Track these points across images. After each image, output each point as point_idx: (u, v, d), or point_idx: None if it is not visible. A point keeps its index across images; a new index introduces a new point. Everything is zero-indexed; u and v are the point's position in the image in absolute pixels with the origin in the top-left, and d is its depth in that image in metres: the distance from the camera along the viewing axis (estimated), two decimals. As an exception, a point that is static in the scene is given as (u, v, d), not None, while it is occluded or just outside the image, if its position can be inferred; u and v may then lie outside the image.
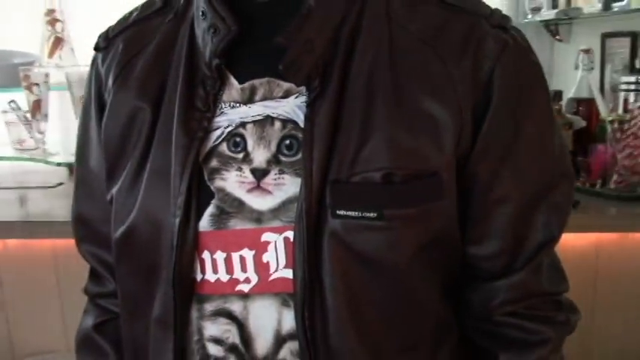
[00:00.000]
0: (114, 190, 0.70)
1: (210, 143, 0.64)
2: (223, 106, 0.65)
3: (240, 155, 0.63)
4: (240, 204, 0.63)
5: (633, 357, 1.53)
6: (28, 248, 1.62)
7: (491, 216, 0.65)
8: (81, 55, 1.95)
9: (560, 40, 2.75)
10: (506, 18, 0.65)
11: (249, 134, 0.63)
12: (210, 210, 0.63)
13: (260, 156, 0.62)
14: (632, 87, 1.72)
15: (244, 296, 0.63)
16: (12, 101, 1.93)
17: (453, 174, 0.62)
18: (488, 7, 0.66)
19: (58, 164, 1.86)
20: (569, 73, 1.94)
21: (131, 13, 0.74)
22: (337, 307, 0.61)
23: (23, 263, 1.64)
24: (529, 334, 0.67)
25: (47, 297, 1.64)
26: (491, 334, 0.69)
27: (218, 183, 0.63)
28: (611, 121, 1.64)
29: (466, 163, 0.62)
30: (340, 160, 0.60)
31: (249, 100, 0.64)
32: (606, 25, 2.26)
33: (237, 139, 0.63)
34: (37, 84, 1.79)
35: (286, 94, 0.63)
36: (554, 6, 2.55)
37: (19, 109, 1.92)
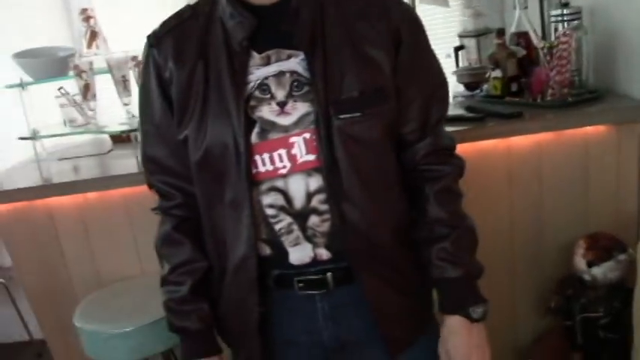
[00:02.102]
0: (187, 131, 1.07)
1: (247, 91, 1.04)
2: (250, 69, 1.05)
3: (268, 96, 1.04)
4: (273, 124, 1.04)
5: (579, 234, 1.92)
6: (103, 198, 2.04)
7: (408, 110, 1.11)
8: (112, 44, 2.33)
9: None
10: None
11: (272, 83, 1.04)
12: (255, 130, 1.04)
13: (280, 94, 1.04)
14: (559, 19, 2.10)
15: (284, 176, 1.05)
16: (61, 88, 2.33)
17: (392, 87, 1.07)
18: None
19: (113, 133, 2.26)
20: (509, 12, 2.30)
21: (170, 20, 1.12)
22: (346, 169, 1.04)
23: (101, 211, 2.06)
24: (438, 171, 1.14)
25: (123, 235, 2.06)
26: (418, 177, 1.15)
27: (257, 114, 1.04)
28: (542, 48, 2.06)
29: (395, 80, 1.08)
30: (333, 88, 1.03)
31: (267, 63, 1.05)
32: None
33: (264, 87, 1.04)
34: (84, 71, 2.18)
35: (288, 57, 1.05)
36: None
37: (68, 93, 2.32)
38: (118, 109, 2.24)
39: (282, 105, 1.03)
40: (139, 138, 1.20)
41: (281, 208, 1.06)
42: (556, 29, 2.10)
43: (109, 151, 2.36)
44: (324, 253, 1.08)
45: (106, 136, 2.45)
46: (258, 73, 1.05)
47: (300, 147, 1.04)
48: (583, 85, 2.07)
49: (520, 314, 2.07)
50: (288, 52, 1.05)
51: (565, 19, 2.08)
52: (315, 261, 1.08)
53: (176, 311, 1.18)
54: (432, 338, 1.18)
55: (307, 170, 1.05)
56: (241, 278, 1.11)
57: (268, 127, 1.04)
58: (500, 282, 2.02)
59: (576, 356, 1.89)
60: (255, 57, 1.05)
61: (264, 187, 1.06)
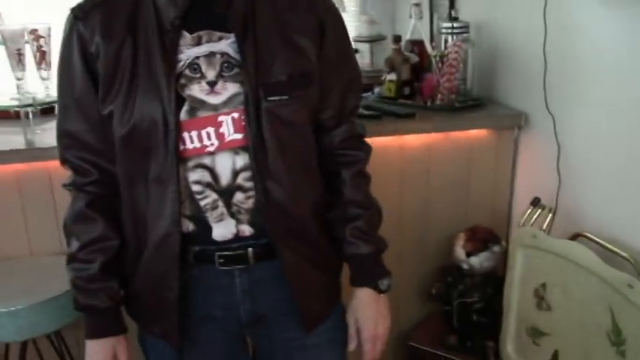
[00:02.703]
0: (112, 106, 1.06)
1: (178, 70, 1.05)
2: (181, 48, 1.06)
3: (198, 75, 1.06)
4: (202, 102, 1.07)
5: (460, 227, 2.11)
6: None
7: (328, 97, 1.18)
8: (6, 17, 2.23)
9: (400, -4, 3.29)
10: None
11: (202, 62, 1.06)
12: (185, 108, 1.06)
13: (210, 74, 1.06)
14: (449, 31, 2.28)
15: (211, 153, 1.08)
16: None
17: (316, 73, 1.14)
18: None
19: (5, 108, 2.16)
20: (405, 21, 2.47)
21: (84, 8, 1.09)
22: (272, 149, 1.09)
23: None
24: (353, 156, 1.24)
25: (11, 214, 1.98)
26: (334, 161, 1.24)
27: (187, 92, 1.06)
28: (435, 56, 2.24)
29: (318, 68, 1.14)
30: (263, 71, 1.07)
31: (197, 43, 1.07)
32: None
33: (195, 66, 1.06)
34: (-25, 40, 2.06)
35: (219, 39, 1.07)
36: None
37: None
38: (7, 84, 2.14)
39: (212, 84, 1.06)
40: (56, 111, 1.16)
41: (207, 185, 1.09)
42: (446, 40, 2.29)
43: (-5, 126, 2.24)
44: (246, 230, 1.12)
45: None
46: (188, 52, 1.07)
47: (229, 126, 1.07)
48: (467, 93, 2.27)
49: (404, 300, 2.22)
50: (219, 34, 1.08)
51: (454, 31, 2.27)
52: (237, 237, 1.12)
53: (83, 289, 1.16)
54: (340, 310, 1.28)
55: (234, 148, 1.08)
56: (163, 254, 1.12)
57: (197, 105, 1.07)
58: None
59: (452, 338, 2.07)
60: (187, 36, 1.07)
61: (190, 163, 1.08)
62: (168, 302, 1.14)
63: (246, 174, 1.09)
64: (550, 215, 1.83)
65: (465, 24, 2.28)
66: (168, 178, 1.07)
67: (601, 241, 1.63)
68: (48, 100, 2.09)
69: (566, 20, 1.82)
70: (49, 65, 2.08)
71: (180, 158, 1.07)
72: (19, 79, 2.10)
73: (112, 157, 1.13)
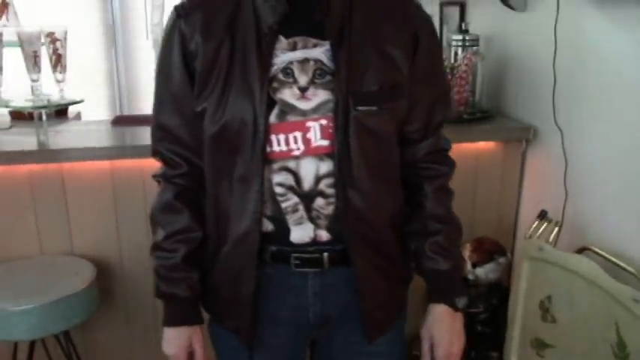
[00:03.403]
0: (206, 104, 1.09)
1: (271, 73, 1.07)
2: (276, 52, 1.07)
3: (290, 80, 1.06)
4: (292, 107, 1.07)
5: (466, 238, 2.14)
6: (5, 174, 1.97)
7: (415, 109, 1.16)
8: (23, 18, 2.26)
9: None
10: (420, 5, 1.17)
11: (295, 68, 1.06)
12: (275, 111, 1.07)
13: (302, 80, 1.07)
14: (459, 43, 2.32)
15: (296, 157, 1.08)
16: (-38, 56, 2.20)
17: (407, 86, 1.12)
18: None
19: (13, 108, 2.19)
20: None
21: (186, 7, 1.12)
22: (357, 157, 1.08)
23: (2, 187, 1.99)
24: (437, 170, 1.22)
25: (23, 213, 2.01)
26: (417, 174, 1.21)
27: (278, 95, 1.07)
28: (445, 68, 2.26)
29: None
30: (354, 81, 1.06)
31: (293, 49, 1.07)
32: None
33: (288, 71, 1.07)
34: (-8, 41, 2.10)
35: (314, 46, 1.08)
36: None
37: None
38: (23, 84, 2.16)
39: (303, 90, 1.07)
40: (155, 105, 1.18)
41: (290, 188, 1.10)
42: (456, 53, 2.32)
43: (10, 127, 2.27)
44: (323, 235, 1.13)
45: (5, 112, 2.35)
46: (283, 56, 1.08)
47: (316, 132, 1.08)
48: (476, 105, 2.29)
49: (408, 309, 2.23)
50: (314, 40, 1.08)
51: (465, 44, 2.30)
52: (314, 241, 1.13)
53: (166, 277, 1.19)
54: (403, 324, 1.30)
55: (319, 155, 1.09)
56: (241, 250, 1.15)
57: (287, 109, 1.08)
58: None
59: (456, 348, 2.08)
60: (282, 41, 1.09)
61: (275, 165, 1.10)
62: (243, 297, 1.17)
63: (329, 180, 1.10)
64: (556, 228, 1.85)
65: (476, 37, 2.31)
66: (252, 178, 1.10)
67: (607, 255, 1.64)
68: (62, 102, 2.11)
69: (577, 36, 1.84)
70: (64, 68, 2.10)
71: (266, 160, 1.09)
72: (34, 80, 2.12)
73: (202, 152, 1.15)
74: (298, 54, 1.08)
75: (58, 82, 2.12)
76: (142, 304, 2.13)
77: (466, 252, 2.06)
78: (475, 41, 2.30)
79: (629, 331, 1.48)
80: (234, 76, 1.08)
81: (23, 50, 2.09)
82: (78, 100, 2.15)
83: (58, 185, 1.99)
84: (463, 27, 2.41)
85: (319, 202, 1.11)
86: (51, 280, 1.85)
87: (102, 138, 2.17)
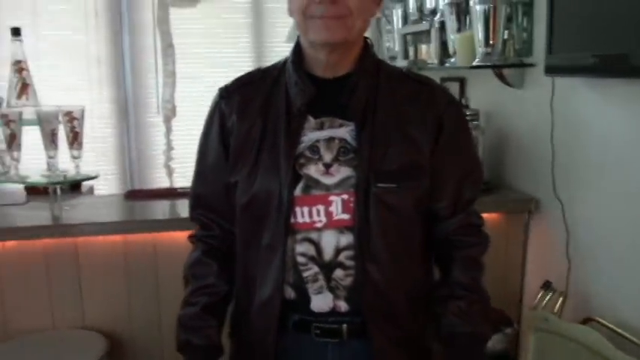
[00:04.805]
0: (238, 177, 1.19)
1: (299, 150, 1.16)
2: (304, 132, 1.17)
3: (316, 157, 1.15)
4: (317, 182, 1.15)
5: None
6: (21, 248, 2.02)
7: (444, 187, 1.21)
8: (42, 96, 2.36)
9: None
10: (446, 89, 1.27)
11: (322, 146, 1.16)
12: (300, 185, 1.15)
13: (327, 157, 1.15)
14: (460, 118, 2.40)
15: (318, 230, 1.15)
16: (-16, 134, 2.29)
17: (428, 166, 1.18)
18: (435, 81, 1.27)
19: (30, 184, 2.26)
20: None
21: (241, 78, 1.27)
22: (376, 232, 1.14)
23: (18, 260, 2.03)
24: (467, 242, 1.25)
25: (36, 286, 2.04)
26: (449, 245, 1.25)
27: (304, 170, 1.15)
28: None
29: (431, 161, 1.18)
30: (376, 159, 1.14)
31: (320, 128, 1.17)
32: (443, 72, 2.84)
33: (315, 149, 1.16)
34: (13, 120, 2.19)
35: (340, 126, 1.17)
36: (405, 57, 3.18)
37: (-8, 141, 2.29)
38: (35, 161, 2.25)
39: (327, 166, 1.15)
40: (194, 175, 1.30)
41: (311, 258, 1.16)
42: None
43: (26, 202, 2.34)
44: (342, 305, 1.17)
45: (22, 188, 2.42)
46: (311, 135, 1.17)
47: (338, 206, 1.15)
48: (478, 177, 2.34)
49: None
50: (340, 121, 1.17)
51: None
52: (334, 311, 1.17)
53: (185, 326, 1.24)
54: None
55: (340, 228, 1.15)
56: (265, 314, 1.20)
57: (312, 183, 1.16)
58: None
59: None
60: (311, 121, 1.18)
61: (299, 236, 1.16)
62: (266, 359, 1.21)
63: (349, 253, 1.15)
64: (561, 299, 1.88)
65: (475, 111, 2.40)
66: (277, 247, 1.16)
67: (612, 326, 1.67)
68: (79, 177, 2.19)
69: (572, 112, 1.93)
70: (80, 145, 2.19)
71: (290, 230, 1.16)
72: (50, 157, 2.20)
73: (233, 218, 1.24)
74: (325, 133, 1.17)
75: (74, 158, 2.20)
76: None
77: (473, 323, 2.07)
78: (475, 116, 2.39)
79: (637, 403, 1.49)
80: (264, 152, 1.18)
81: (42, 128, 2.18)
82: (93, 175, 2.23)
83: (72, 259, 2.04)
84: (463, 102, 2.51)
85: (338, 273, 1.16)
86: (62, 355, 1.87)
87: (115, 212, 2.24)
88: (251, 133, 1.20)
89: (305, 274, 1.17)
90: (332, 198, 1.15)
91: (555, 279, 1.95)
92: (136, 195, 2.44)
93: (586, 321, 1.76)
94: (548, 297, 1.90)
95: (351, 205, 1.14)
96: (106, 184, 3.45)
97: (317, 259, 1.16)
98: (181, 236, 2.00)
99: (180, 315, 1.26)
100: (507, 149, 2.36)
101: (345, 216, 1.15)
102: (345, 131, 1.17)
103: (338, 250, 1.16)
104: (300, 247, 1.16)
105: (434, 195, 1.21)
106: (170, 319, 1.97)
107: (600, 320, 1.72)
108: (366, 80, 1.19)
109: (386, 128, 1.17)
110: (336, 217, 1.15)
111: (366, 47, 1.22)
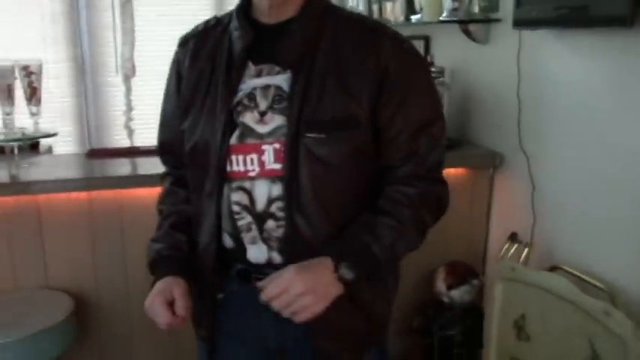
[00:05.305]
0: (186, 124, 1.20)
1: (238, 98, 1.14)
2: (244, 79, 1.14)
3: (252, 104, 1.13)
4: (251, 130, 1.13)
5: (438, 262, 2.22)
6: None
7: (393, 140, 1.14)
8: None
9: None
10: (400, 35, 1.15)
11: (258, 94, 1.13)
12: (236, 133, 1.14)
13: (262, 105, 1.13)
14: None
15: (252, 178, 1.13)
16: None
17: (366, 116, 1.11)
18: (391, 29, 1.18)
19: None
20: None
21: (198, 25, 1.25)
22: (305, 183, 1.10)
23: None
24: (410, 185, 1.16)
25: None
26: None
27: (241, 119, 1.13)
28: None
29: (376, 111, 1.12)
30: (308, 108, 1.09)
31: (258, 75, 1.14)
32: (408, 30, 2.78)
33: (251, 96, 1.13)
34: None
35: (278, 73, 1.13)
36: (370, 15, 3.18)
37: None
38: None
39: (262, 114, 1.13)
40: (159, 124, 1.33)
41: (245, 207, 1.15)
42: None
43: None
44: (277, 257, 1.15)
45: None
46: (249, 82, 1.15)
47: (270, 155, 1.13)
48: (444, 134, 2.36)
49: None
50: (278, 68, 1.14)
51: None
52: (270, 263, 1.15)
53: (154, 242, 1.25)
54: (377, 354, 1.26)
55: (272, 177, 1.13)
56: (204, 261, 1.21)
57: (247, 132, 1.14)
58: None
59: (433, 372, 2.12)
60: (251, 68, 1.16)
61: (234, 185, 1.15)
62: (207, 306, 1.22)
63: (280, 204, 1.13)
64: (526, 249, 1.92)
65: (441, 69, 2.41)
66: (213, 194, 1.17)
67: (576, 273, 1.71)
68: (37, 134, 2.11)
69: (538, 66, 1.95)
70: (39, 101, 2.11)
71: (226, 178, 1.15)
72: (7, 114, 2.12)
73: None
74: (262, 80, 1.14)
75: (33, 114, 2.13)
76: (117, 339, 2.11)
77: (441, 275, 2.11)
78: (440, 73, 2.40)
79: (603, 345, 1.54)
80: (207, 100, 1.17)
81: (-7, 83, 2.09)
82: (52, 132, 2.16)
83: (34, 219, 1.98)
84: (428, 59, 2.51)
85: (270, 224, 1.14)
86: (26, 314, 1.83)
87: (77, 170, 2.17)
88: (199, 81, 1.19)
89: (239, 223, 1.16)
90: (265, 147, 1.13)
91: (520, 231, 2.00)
92: (97, 153, 2.38)
93: (551, 270, 1.81)
94: (514, 248, 1.95)
95: (282, 154, 1.12)
96: (65, 146, 3.34)
97: (250, 208, 1.15)
98: (146, 193, 2.00)
99: (151, 238, 1.26)
100: (472, 105, 2.38)
101: (277, 166, 1.13)
102: (281, 79, 1.14)
103: (270, 201, 1.14)
104: (235, 196, 1.15)
105: (384, 151, 1.16)
106: (137, 276, 1.98)
107: (565, 268, 1.76)
108: (306, 25, 1.14)
109: (323, 77, 1.12)
110: (268, 167, 1.13)
111: None
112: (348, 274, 1.10)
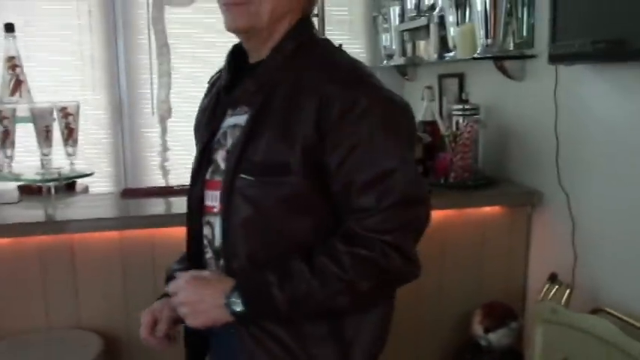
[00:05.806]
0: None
1: (217, 136, 1.17)
2: (226, 118, 1.18)
3: (224, 142, 1.16)
4: (218, 167, 1.16)
5: (475, 303, 2.15)
6: (15, 246, 1.97)
7: (338, 194, 1.07)
8: (35, 94, 2.32)
9: (408, 80, 3.43)
10: (371, 84, 1.08)
11: (228, 132, 1.16)
12: (210, 169, 1.18)
13: (229, 143, 1.15)
14: (460, 112, 2.38)
15: (214, 214, 1.15)
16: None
17: (300, 164, 1.05)
18: (368, 72, 1.10)
19: (24, 182, 2.22)
20: (418, 104, 2.57)
21: (213, 75, 1.30)
22: (235, 223, 1.10)
23: (12, 259, 1.98)
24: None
25: (30, 286, 1.99)
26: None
27: (213, 156, 1.17)
28: (448, 136, 2.32)
29: (321, 161, 1.05)
30: (247, 150, 1.08)
31: (233, 114, 1.16)
32: (441, 69, 2.88)
33: (224, 135, 1.16)
34: (7, 117, 2.14)
35: (244, 113, 1.13)
36: (403, 54, 3.17)
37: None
38: (31, 159, 2.20)
39: (227, 152, 1.15)
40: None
41: (209, 242, 1.19)
42: (457, 121, 2.37)
43: (19, 201, 2.29)
44: None
45: (14, 186, 2.38)
46: (227, 120, 1.18)
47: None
48: (479, 172, 2.32)
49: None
50: (246, 108, 1.14)
51: (465, 113, 2.36)
52: None
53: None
54: None
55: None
56: None
57: (216, 169, 1.18)
58: (406, 347, 2.14)
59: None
60: (233, 107, 1.19)
61: (205, 219, 1.19)
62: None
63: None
64: (568, 291, 1.84)
65: (476, 106, 2.38)
66: (194, 225, 1.21)
67: (621, 315, 1.63)
68: (73, 174, 2.14)
69: (576, 102, 1.90)
70: (75, 142, 2.14)
71: (202, 212, 1.19)
72: (45, 155, 2.16)
73: None
74: (232, 120, 1.17)
75: (69, 155, 2.16)
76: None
77: (477, 317, 2.04)
78: (475, 110, 2.36)
79: (651, 392, 1.45)
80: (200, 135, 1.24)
81: (36, 125, 2.14)
82: (88, 172, 2.19)
83: (68, 257, 1.99)
84: (463, 97, 2.48)
85: (222, 261, 1.16)
86: (57, 355, 1.82)
87: (111, 209, 2.19)
88: (201, 117, 1.26)
89: (206, 257, 1.20)
90: (223, 184, 1.15)
91: (561, 271, 1.92)
92: (132, 193, 2.39)
93: (594, 312, 1.73)
94: (554, 289, 1.87)
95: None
96: (102, 186, 3.40)
97: (212, 243, 1.18)
98: (178, 232, 1.99)
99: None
100: (509, 143, 2.33)
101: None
102: (244, 119, 1.14)
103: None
104: (205, 230, 1.19)
105: (335, 200, 1.09)
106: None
107: (609, 310, 1.68)
108: (268, 68, 1.13)
109: (272, 119, 1.09)
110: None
111: (290, 31, 1.13)
112: (237, 305, 1.06)
